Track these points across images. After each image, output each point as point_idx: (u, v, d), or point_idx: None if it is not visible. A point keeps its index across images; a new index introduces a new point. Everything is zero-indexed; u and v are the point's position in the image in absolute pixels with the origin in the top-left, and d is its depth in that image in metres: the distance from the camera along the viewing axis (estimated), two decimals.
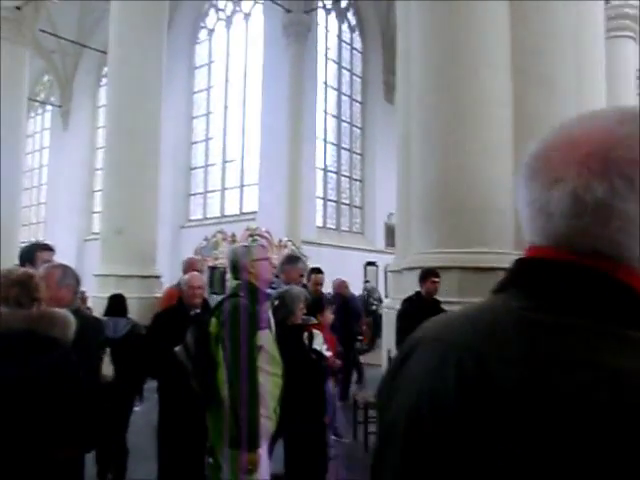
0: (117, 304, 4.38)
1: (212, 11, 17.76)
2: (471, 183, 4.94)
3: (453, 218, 4.94)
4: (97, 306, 6.65)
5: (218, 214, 16.63)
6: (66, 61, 20.70)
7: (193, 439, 3.44)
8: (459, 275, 4.85)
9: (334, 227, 16.79)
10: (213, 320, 2.23)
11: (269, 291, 2.59)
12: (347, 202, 17.47)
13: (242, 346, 2.10)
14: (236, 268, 2.36)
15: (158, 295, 8.95)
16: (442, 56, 5.02)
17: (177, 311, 3.79)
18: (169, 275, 12.13)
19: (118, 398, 3.77)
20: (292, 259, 3.31)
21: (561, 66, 5.09)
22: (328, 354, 3.06)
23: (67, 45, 19.17)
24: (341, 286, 7.70)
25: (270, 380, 2.23)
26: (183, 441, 3.46)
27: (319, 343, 3.00)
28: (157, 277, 9.44)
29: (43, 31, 14.64)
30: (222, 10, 17.54)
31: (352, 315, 7.27)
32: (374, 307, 11.69)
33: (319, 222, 16.08)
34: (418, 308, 4.52)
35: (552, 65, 5.08)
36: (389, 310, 5.81)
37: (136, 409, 4.30)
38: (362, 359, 7.87)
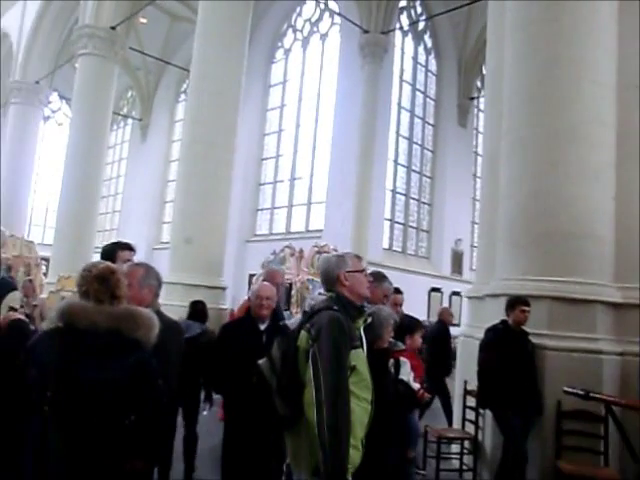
0: (198, 310, 4.43)
1: (290, 31, 18.14)
2: (567, 207, 4.53)
3: (545, 243, 4.54)
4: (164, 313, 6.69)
5: (284, 230, 16.71)
6: (149, 78, 21.82)
7: (262, 460, 3.25)
8: (550, 305, 4.44)
9: (400, 250, 16.43)
10: (303, 334, 2.02)
11: None
12: (414, 225, 17.09)
13: (335, 365, 1.89)
14: (329, 279, 2.16)
15: (223, 306, 8.96)
16: (540, 70, 4.68)
17: (245, 322, 3.64)
18: (233, 287, 12.20)
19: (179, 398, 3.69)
20: (378, 277, 3.04)
21: None
22: (416, 386, 2.79)
23: (151, 63, 20.19)
24: (445, 314, 7.50)
25: (360, 406, 2.00)
26: (251, 462, 3.28)
27: (406, 373, 2.74)
28: (223, 288, 9.44)
29: (132, 49, 15.40)
30: (299, 31, 17.88)
31: (448, 344, 6.99)
32: None
33: (385, 244, 15.78)
34: (504, 338, 4.17)
35: None
36: (466, 339, 5.42)
37: (204, 413, 4.24)
38: None
